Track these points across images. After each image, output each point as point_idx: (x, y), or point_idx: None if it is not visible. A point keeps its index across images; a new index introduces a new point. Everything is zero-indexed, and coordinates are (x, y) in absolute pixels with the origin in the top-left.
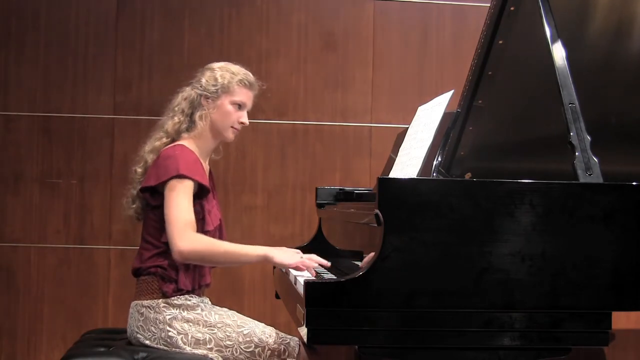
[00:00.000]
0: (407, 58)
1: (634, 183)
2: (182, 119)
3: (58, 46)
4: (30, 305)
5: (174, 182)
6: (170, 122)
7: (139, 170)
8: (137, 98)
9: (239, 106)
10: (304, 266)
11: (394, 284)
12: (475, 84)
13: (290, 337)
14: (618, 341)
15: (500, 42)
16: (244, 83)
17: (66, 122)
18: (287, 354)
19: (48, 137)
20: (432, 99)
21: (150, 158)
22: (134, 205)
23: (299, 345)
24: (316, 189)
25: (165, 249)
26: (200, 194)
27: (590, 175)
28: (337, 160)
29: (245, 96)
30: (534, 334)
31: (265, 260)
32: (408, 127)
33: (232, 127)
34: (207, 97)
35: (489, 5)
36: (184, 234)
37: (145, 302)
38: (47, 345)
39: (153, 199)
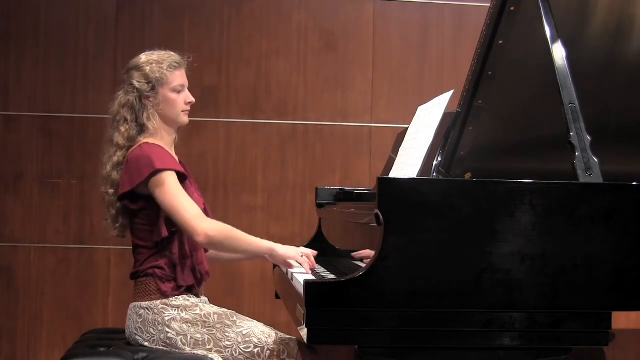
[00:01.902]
0: (407, 58)
1: (634, 183)
2: (127, 126)
3: (58, 46)
4: (30, 305)
5: (156, 179)
6: (117, 133)
7: (111, 191)
8: None
9: (180, 89)
10: (304, 259)
11: (394, 284)
12: (475, 84)
13: (289, 337)
14: (618, 341)
15: (500, 42)
16: (174, 66)
17: (66, 122)
18: (286, 354)
19: (48, 137)
20: (432, 99)
21: (115, 175)
22: (117, 225)
23: (299, 346)
24: (316, 189)
25: (159, 249)
26: None
27: (590, 175)
28: (337, 160)
29: (181, 77)
30: (534, 334)
31: (270, 252)
32: (408, 127)
33: (182, 111)
34: (147, 97)
35: (489, 5)
36: (202, 217)
37: (144, 304)
38: (47, 345)
39: (134, 204)
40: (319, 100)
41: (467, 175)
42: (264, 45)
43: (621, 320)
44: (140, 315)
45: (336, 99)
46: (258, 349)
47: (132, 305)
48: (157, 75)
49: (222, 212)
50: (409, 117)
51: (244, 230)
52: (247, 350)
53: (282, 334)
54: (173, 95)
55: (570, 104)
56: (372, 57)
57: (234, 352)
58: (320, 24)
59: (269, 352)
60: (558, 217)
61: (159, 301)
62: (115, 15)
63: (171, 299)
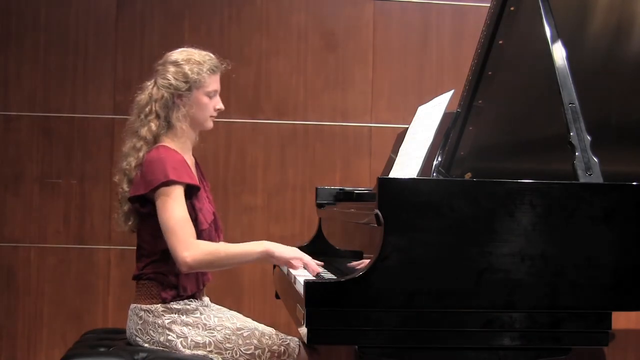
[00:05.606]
0: (407, 58)
1: (634, 183)
2: (158, 123)
3: (58, 46)
4: (30, 305)
5: (164, 190)
6: (146, 128)
7: (125, 187)
8: None
9: (213, 95)
10: (302, 262)
11: (394, 284)
12: (475, 84)
13: (290, 337)
14: (618, 341)
15: (500, 42)
16: (212, 70)
17: (66, 122)
18: (287, 354)
19: (48, 137)
20: (432, 99)
21: (134, 173)
22: (129, 223)
23: (299, 346)
24: (316, 189)
25: (162, 257)
26: (189, 194)
27: (590, 175)
28: (337, 160)
29: (216, 82)
30: (534, 334)
31: (267, 255)
32: (408, 127)
33: (210, 116)
34: (179, 96)
35: (489, 5)
36: (187, 243)
37: (144, 306)
38: (47, 345)
39: (143, 207)
40: (319, 100)
41: (467, 175)
42: (264, 45)
43: (621, 320)
44: (140, 317)
45: (336, 99)
46: (259, 350)
47: (132, 306)
48: (196, 76)
49: (222, 212)
50: (409, 117)
51: (243, 231)
52: (247, 352)
53: (282, 334)
54: (205, 100)
55: (570, 104)
56: (372, 57)
57: (234, 354)
58: (320, 24)
59: (269, 353)
60: (558, 217)
61: (159, 305)
62: (115, 15)
63: (172, 303)
